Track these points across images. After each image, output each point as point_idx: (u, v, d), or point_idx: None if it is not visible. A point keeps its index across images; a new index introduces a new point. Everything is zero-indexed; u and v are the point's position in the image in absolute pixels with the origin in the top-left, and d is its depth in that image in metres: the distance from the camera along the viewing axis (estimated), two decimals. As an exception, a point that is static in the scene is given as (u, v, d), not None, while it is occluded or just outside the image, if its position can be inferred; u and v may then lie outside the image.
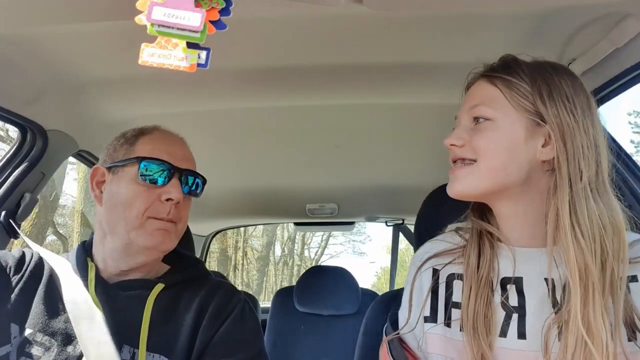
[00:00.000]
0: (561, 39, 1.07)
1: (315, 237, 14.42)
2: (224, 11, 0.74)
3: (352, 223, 3.35)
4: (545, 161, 0.80)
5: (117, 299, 0.95)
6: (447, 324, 0.86)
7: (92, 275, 0.97)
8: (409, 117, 1.57)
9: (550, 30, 1.05)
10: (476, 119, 0.83)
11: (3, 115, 1.24)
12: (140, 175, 0.95)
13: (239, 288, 1.15)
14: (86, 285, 0.95)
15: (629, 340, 0.73)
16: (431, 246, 0.98)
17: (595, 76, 1.10)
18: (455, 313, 0.86)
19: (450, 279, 0.90)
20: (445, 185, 0.89)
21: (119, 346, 0.88)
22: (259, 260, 14.02)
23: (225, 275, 2.26)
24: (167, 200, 0.96)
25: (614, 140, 1.25)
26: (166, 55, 0.75)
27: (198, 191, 1.06)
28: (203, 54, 0.76)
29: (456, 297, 0.88)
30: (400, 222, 2.97)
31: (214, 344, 0.94)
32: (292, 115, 1.58)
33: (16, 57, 1.11)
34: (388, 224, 3.06)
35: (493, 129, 0.80)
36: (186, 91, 1.38)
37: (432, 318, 0.89)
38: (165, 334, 0.93)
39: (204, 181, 1.07)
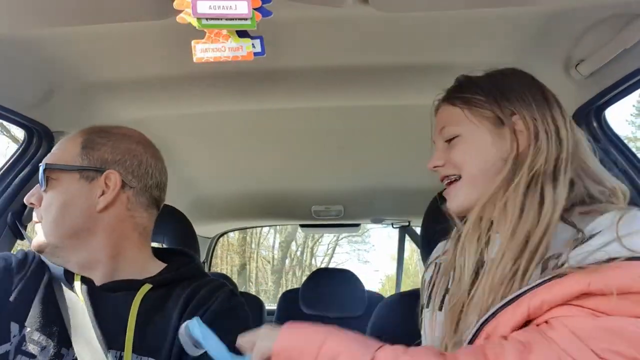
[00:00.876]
0: (569, 39, 1.06)
1: (322, 246, 14.77)
2: None
3: (357, 225, 3.34)
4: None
5: (104, 300, 0.94)
6: (440, 307, 0.91)
7: (78, 277, 0.97)
8: (415, 119, 1.56)
9: (558, 31, 1.04)
10: (448, 140, 0.92)
11: (9, 116, 1.25)
12: None
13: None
14: (74, 287, 0.96)
15: None
16: (441, 245, 1.06)
17: (604, 77, 1.10)
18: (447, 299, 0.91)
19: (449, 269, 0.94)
20: None
21: (106, 350, 0.88)
22: (274, 273, 14.37)
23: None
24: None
25: (615, 135, 1.25)
26: (220, 49, 0.74)
27: (41, 182, 0.97)
28: (257, 42, 0.75)
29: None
30: (407, 224, 2.96)
31: None
32: (298, 117, 1.58)
33: (23, 59, 1.12)
34: (394, 225, 3.05)
35: (462, 142, 0.89)
36: (193, 93, 1.38)
37: (427, 304, 0.96)
38: (152, 335, 0.91)
39: (47, 166, 0.97)
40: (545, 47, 1.10)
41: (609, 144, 1.23)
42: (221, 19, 0.71)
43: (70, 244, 0.94)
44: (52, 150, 1.00)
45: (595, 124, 1.24)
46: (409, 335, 1.01)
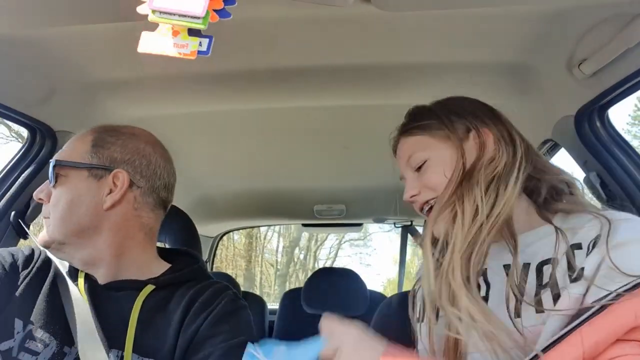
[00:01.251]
0: (571, 39, 1.06)
1: (324, 249, 15.11)
2: (228, 0, 0.72)
3: (360, 224, 3.34)
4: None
5: (106, 299, 0.95)
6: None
7: (82, 275, 0.98)
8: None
9: (561, 30, 1.04)
10: (417, 168, 0.95)
11: (12, 116, 1.25)
12: None
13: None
14: (77, 285, 0.96)
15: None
16: None
17: (606, 76, 1.09)
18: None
19: None
20: None
21: (107, 349, 0.88)
22: (280, 277, 14.72)
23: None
24: None
25: (618, 135, 1.24)
26: (166, 43, 0.74)
27: (51, 178, 0.99)
28: (205, 41, 0.75)
29: None
30: (409, 223, 2.96)
31: (198, 340, 0.91)
32: (301, 116, 1.58)
33: (26, 59, 1.12)
34: (396, 225, 3.05)
35: (432, 164, 0.93)
36: (195, 92, 1.38)
37: (421, 318, 0.97)
38: (153, 336, 0.92)
39: (57, 162, 0.99)
40: (548, 46, 1.10)
41: (613, 144, 1.22)
42: (174, 15, 0.71)
43: (75, 241, 0.95)
44: (63, 147, 1.01)
45: (598, 124, 1.23)
46: (411, 335, 1.01)
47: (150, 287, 0.97)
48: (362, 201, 2.61)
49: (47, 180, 0.97)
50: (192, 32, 0.74)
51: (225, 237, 3.63)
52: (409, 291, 1.24)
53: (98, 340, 0.88)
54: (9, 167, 1.34)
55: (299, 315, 2.52)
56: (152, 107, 1.45)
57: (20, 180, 1.32)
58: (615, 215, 0.76)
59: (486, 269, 0.89)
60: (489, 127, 0.91)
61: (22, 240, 1.33)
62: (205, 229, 3.06)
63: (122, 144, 0.99)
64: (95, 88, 1.31)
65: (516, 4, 0.95)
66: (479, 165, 0.88)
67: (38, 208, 1.34)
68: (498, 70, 1.23)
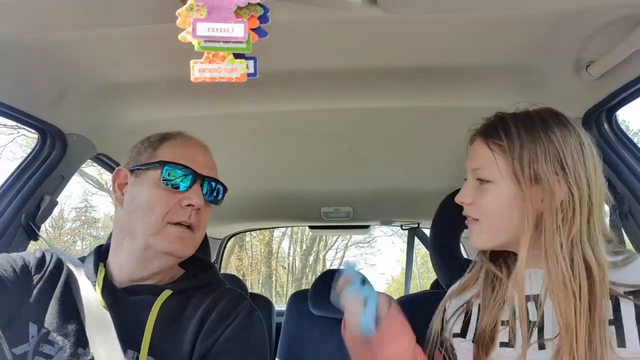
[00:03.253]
0: (579, 41, 1.05)
1: (331, 250, 16.41)
2: (262, 18, 0.75)
3: (367, 226, 3.33)
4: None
5: (124, 303, 0.96)
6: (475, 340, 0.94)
7: (100, 278, 0.98)
8: (425, 120, 1.56)
9: (568, 32, 1.03)
10: (480, 180, 0.90)
11: (23, 118, 1.26)
12: (163, 180, 0.96)
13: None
14: (95, 289, 0.97)
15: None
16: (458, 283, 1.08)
17: (614, 78, 1.09)
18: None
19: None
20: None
21: (123, 350, 0.89)
22: (295, 281, 16.07)
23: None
24: (188, 205, 0.97)
25: (626, 137, 1.24)
26: (216, 69, 0.78)
27: (219, 198, 1.06)
28: (251, 63, 0.79)
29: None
30: (416, 225, 2.95)
31: (214, 352, 0.92)
32: (308, 118, 1.58)
33: (36, 62, 1.13)
34: (403, 227, 3.04)
35: (494, 190, 0.88)
36: (204, 95, 1.39)
37: (462, 334, 0.99)
38: (169, 340, 0.93)
39: (225, 189, 1.07)
40: (555, 48, 1.09)
41: (621, 146, 1.22)
42: (219, 42, 0.74)
43: None
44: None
45: (606, 126, 1.23)
46: (417, 337, 1.01)
47: (167, 292, 0.98)
48: (369, 203, 2.60)
49: None
50: (237, 55, 0.77)
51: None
52: (415, 294, 1.24)
53: (113, 341, 0.88)
54: (19, 169, 1.35)
55: (306, 317, 2.51)
56: (162, 110, 1.46)
57: (31, 182, 1.32)
58: None
59: (538, 294, 0.89)
60: (571, 178, 0.83)
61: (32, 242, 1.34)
62: (214, 231, 3.07)
63: None
64: (106, 91, 1.32)
65: (523, 7, 0.95)
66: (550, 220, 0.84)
67: (49, 210, 1.35)
68: (505, 72, 1.22)
